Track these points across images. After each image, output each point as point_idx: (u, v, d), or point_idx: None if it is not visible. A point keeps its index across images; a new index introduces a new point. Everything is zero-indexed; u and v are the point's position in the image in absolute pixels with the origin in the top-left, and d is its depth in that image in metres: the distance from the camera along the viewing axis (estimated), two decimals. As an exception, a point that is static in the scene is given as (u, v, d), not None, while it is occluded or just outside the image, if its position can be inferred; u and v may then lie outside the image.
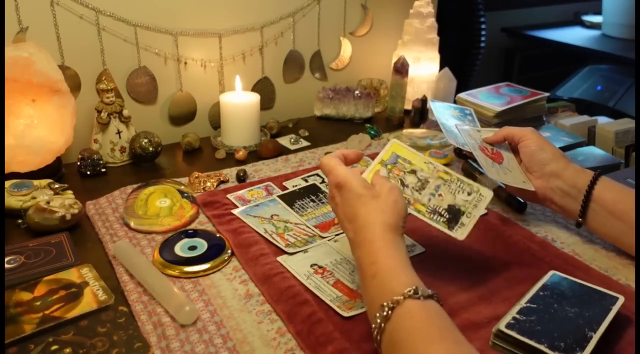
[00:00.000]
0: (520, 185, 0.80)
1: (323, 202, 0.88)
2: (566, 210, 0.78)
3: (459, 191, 0.70)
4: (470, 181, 0.71)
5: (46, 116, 0.92)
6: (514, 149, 0.85)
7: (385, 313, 0.52)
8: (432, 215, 0.68)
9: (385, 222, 0.60)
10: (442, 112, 0.96)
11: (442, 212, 0.68)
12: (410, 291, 0.52)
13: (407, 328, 0.51)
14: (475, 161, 1.01)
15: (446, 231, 0.67)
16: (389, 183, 0.65)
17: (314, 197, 0.89)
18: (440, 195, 0.69)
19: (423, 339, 0.49)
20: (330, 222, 0.83)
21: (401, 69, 1.24)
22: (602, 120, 1.20)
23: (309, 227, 0.82)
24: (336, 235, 0.80)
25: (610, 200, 0.73)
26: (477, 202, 0.69)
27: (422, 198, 0.69)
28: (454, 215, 0.68)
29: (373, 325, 0.53)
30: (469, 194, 0.70)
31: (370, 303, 0.56)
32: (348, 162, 0.70)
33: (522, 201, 0.87)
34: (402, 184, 0.70)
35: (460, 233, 0.66)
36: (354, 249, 0.62)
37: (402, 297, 0.52)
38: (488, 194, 0.70)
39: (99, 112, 1.01)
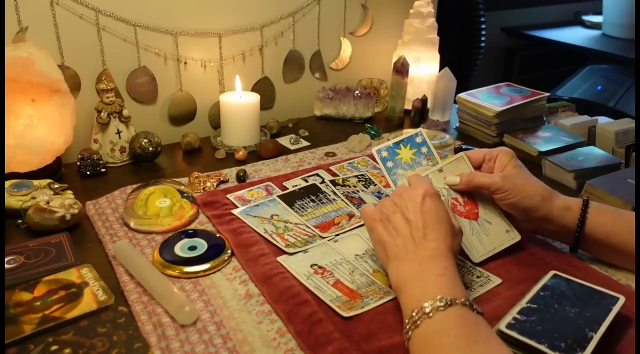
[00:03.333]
0: (506, 244, 0.74)
1: (323, 203, 0.88)
2: (560, 241, 0.78)
3: (468, 274, 0.72)
4: (482, 270, 0.73)
5: (46, 116, 0.92)
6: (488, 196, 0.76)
7: (433, 307, 0.55)
8: None
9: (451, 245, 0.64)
10: (392, 168, 0.78)
11: None
12: (464, 299, 0.56)
13: (458, 324, 0.54)
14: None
15: None
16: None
17: (314, 198, 0.89)
18: None
19: (481, 335, 0.53)
20: (330, 223, 0.83)
21: (401, 69, 1.24)
22: (602, 120, 1.20)
23: (309, 228, 0.81)
24: (336, 235, 0.80)
25: (602, 235, 0.71)
26: (484, 283, 0.70)
27: None
28: None
29: (414, 314, 0.56)
30: (477, 277, 0.71)
31: (418, 299, 0.57)
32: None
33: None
34: None
35: None
36: (423, 241, 0.63)
37: (458, 301, 0.55)
38: (496, 280, 0.71)
39: (99, 112, 1.01)
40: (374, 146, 0.79)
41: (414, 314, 0.55)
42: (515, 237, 0.75)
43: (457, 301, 0.55)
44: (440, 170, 0.76)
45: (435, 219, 0.63)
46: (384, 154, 0.78)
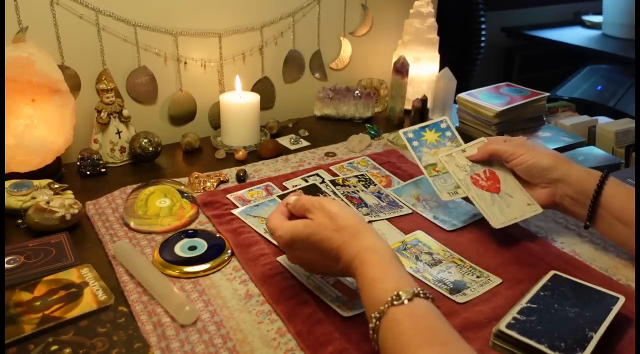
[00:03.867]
0: (527, 215, 0.76)
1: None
2: (575, 215, 0.77)
3: (468, 274, 0.72)
4: (482, 270, 0.72)
5: (46, 116, 0.92)
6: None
7: (373, 325, 0.52)
8: (437, 283, 0.70)
9: (354, 236, 0.60)
10: (417, 147, 0.85)
11: (447, 283, 0.70)
12: (391, 299, 0.52)
13: (394, 336, 0.50)
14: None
15: (447, 294, 0.68)
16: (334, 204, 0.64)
17: (314, 197, 0.89)
18: (449, 272, 0.72)
19: (410, 345, 0.48)
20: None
21: (401, 69, 1.24)
22: (602, 120, 1.20)
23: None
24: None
25: (617, 207, 0.72)
26: (484, 283, 0.70)
27: (432, 271, 0.72)
28: (458, 289, 0.69)
29: (370, 335, 0.53)
30: (478, 277, 0.71)
31: (367, 314, 0.55)
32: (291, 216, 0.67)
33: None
34: (417, 258, 0.75)
35: (460, 299, 0.67)
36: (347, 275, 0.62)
37: (385, 305, 0.51)
38: (496, 280, 0.71)
39: (99, 112, 1.01)
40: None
41: (375, 314, 0.53)
42: (536, 209, 0.76)
43: (420, 293, 0.53)
44: (464, 150, 0.83)
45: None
46: (410, 135, 0.87)
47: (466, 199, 0.81)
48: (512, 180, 0.80)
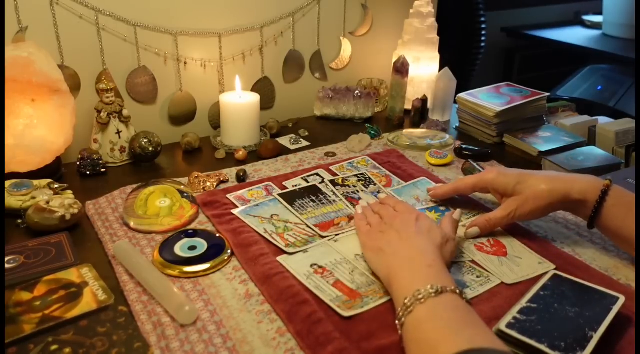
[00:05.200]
0: (539, 272, 0.72)
1: (323, 203, 0.88)
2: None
3: (468, 273, 0.72)
4: (481, 269, 0.72)
5: (46, 116, 0.92)
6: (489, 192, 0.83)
7: (433, 290, 0.56)
8: None
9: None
10: None
11: None
12: (456, 289, 0.58)
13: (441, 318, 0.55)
14: (475, 161, 1.01)
15: None
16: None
17: (314, 198, 0.89)
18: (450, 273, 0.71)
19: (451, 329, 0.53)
20: (330, 223, 0.83)
21: (401, 68, 1.24)
22: (602, 120, 1.20)
23: (309, 227, 0.81)
24: (336, 235, 0.80)
25: (614, 228, 0.72)
26: (484, 283, 0.70)
27: None
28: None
29: (406, 301, 0.57)
30: (477, 277, 0.71)
31: (410, 283, 0.59)
32: None
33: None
34: None
35: None
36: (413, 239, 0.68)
37: (454, 287, 0.57)
38: (495, 280, 0.70)
39: (99, 112, 1.01)
40: None
41: (406, 300, 0.57)
42: (549, 266, 0.73)
43: (448, 289, 0.57)
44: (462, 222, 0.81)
45: (421, 227, 0.70)
46: None
47: (472, 262, 0.76)
48: (519, 244, 0.78)
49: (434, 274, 0.60)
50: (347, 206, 0.88)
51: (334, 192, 0.91)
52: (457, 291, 0.58)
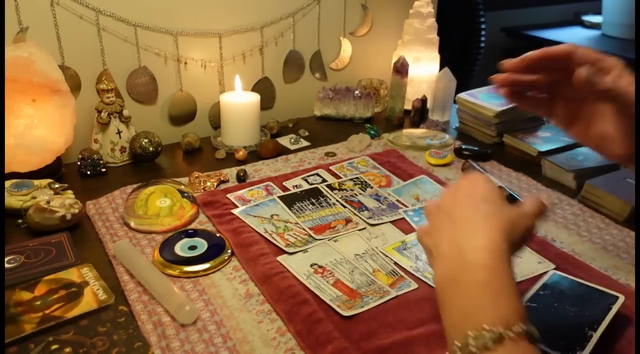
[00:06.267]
0: (539, 271, 0.71)
1: (322, 206, 0.88)
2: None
3: None
4: None
5: (46, 116, 0.92)
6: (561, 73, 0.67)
7: (490, 341, 0.43)
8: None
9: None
10: None
11: None
12: (519, 328, 0.44)
13: None
14: (475, 161, 1.01)
15: None
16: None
17: (314, 201, 0.89)
18: None
19: None
20: (326, 226, 0.82)
21: (401, 69, 1.24)
22: (602, 120, 1.19)
23: (303, 229, 0.81)
24: (328, 239, 0.79)
25: None
26: None
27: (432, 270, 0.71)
28: None
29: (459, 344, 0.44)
30: None
31: (463, 316, 0.46)
32: None
33: (518, 198, 0.84)
34: (417, 258, 0.74)
35: None
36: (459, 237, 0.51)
37: (516, 327, 0.43)
38: None
39: (99, 112, 1.01)
40: None
41: (455, 347, 0.44)
42: (548, 266, 0.73)
43: (510, 333, 0.43)
44: None
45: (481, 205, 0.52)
46: None
47: None
48: None
49: (490, 299, 0.45)
50: (350, 208, 0.87)
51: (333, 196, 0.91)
52: (521, 330, 0.43)
